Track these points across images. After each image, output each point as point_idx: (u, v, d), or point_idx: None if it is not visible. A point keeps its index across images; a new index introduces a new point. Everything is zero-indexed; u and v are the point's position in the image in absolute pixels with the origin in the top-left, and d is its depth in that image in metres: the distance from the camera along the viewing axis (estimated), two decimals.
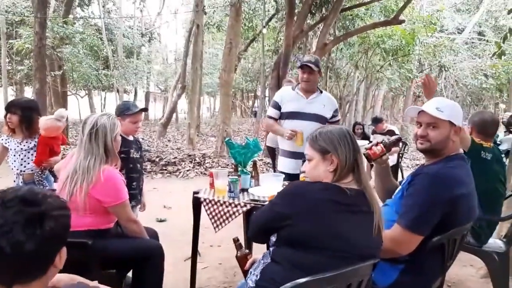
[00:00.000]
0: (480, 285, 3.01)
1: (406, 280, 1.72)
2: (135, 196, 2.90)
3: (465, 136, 2.48)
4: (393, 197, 1.88)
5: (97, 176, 2.01)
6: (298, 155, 3.15)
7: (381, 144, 1.93)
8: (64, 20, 10.58)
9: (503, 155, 2.78)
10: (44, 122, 3.07)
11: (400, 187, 1.87)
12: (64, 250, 1.05)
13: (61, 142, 3.32)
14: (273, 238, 1.53)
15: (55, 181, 3.22)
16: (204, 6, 11.14)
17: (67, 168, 2.11)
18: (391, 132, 6.40)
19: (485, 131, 2.74)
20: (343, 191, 1.40)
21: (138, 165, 2.92)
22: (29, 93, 17.28)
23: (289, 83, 4.77)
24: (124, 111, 2.81)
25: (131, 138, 2.90)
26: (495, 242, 2.67)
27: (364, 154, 1.83)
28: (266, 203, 2.20)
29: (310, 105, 3.24)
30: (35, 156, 3.07)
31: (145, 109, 3.06)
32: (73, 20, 12.84)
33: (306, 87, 3.23)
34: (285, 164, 3.31)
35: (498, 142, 6.71)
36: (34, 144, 3.10)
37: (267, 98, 14.01)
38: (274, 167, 5.31)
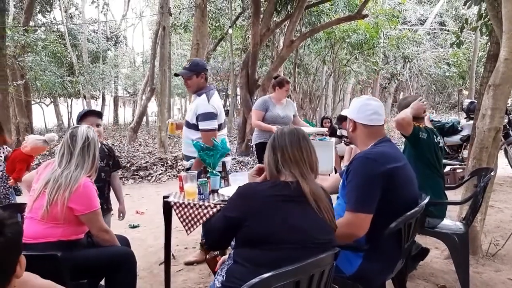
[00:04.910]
0: (445, 266, 3.16)
1: (369, 266, 1.82)
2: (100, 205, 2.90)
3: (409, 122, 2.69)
4: (339, 189, 2.01)
5: (78, 186, 2.05)
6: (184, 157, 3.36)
7: None
8: (24, 28, 10.27)
9: (438, 139, 2.91)
10: (34, 141, 3.04)
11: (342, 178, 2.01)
12: (23, 259, 1.06)
13: None
14: (232, 242, 1.60)
15: (17, 195, 3.17)
16: (170, 7, 11.05)
17: (42, 178, 2.12)
18: None
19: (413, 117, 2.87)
20: (288, 185, 1.51)
21: (102, 174, 2.88)
22: None
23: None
24: (77, 118, 2.85)
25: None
26: (455, 225, 2.81)
27: None
28: None
29: (188, 110, 3.34)
30: (14, 173, 3.00)
31: (95, 112, 2.94)
32: (34, 27, 12.46)
33: (189, 91, 3.30)
34: None
35: (459, 128, 7.01)
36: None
37: (238, 97, 14.05)
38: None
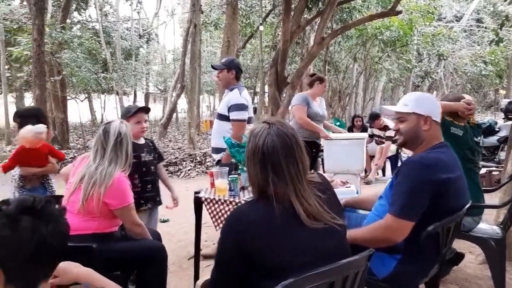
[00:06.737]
0: (479, 271, 3.05)
1: (404, 269, 1.77)
2: (152, 198, 2.95)
3: None
4: (384, 189, 1.94)
5: (112, 181, 2.09)
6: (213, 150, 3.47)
7: None
8: (61, 25, 10.62)
9: (479, 139, 2.77)
10: (22, 136, 2.97)
11: (390, 178, 1.93)
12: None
13: (59, 158, 3.31)
14: None
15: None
16: (201, 5, 11.16)
17: (78, 172, 2.18)
18: (387, 128, 6.47)
19: (452, 112, 2.70)
20: (282, 205, 1.31)
21: (152, 167, 2.95)
22: (29, 99, 17.33)
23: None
24: (126, 114, 2.86)
25: (142, 141, 2.93)
26: (492, 229, 2.71)
27: None
28: None
29: (221, 104, 3.49)
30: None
31: (145, 108, 3.03)
32: (70, 25, 12.87)
33: (220, 85, 3.55)
34: None
35: (497, 129, 6.75)
36: None
37: (266, 94, 14.05)
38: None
